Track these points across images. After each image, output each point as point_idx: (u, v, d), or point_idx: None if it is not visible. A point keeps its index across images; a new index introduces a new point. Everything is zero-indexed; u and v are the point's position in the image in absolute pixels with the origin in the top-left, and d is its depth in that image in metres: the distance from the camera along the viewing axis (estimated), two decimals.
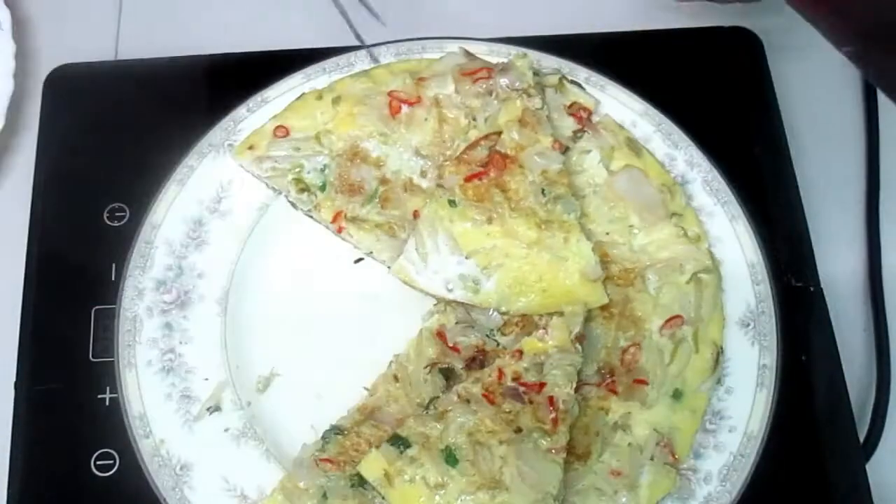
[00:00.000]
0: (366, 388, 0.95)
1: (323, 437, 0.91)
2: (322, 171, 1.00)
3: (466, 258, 0.95)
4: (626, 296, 0.97)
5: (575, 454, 0.90)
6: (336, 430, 0.92)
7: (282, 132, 1.01)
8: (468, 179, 0.97)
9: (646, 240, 0.99)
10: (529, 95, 1.01)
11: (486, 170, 0.97)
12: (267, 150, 1.01)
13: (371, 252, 0.99)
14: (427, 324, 0.97)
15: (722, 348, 0.95)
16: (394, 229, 0.99)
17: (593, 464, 0.90)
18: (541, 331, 0.93)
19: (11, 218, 1.04)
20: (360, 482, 0.87)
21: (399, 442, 0.87)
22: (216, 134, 1.04)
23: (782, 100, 1.09)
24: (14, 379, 0.96)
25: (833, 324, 1.00)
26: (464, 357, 0.95)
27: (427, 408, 0.90)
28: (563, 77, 1.05)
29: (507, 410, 0.89)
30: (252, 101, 1.05)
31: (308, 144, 1.01)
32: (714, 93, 1.09)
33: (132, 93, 1.08)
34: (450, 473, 0.85)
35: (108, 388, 0.95)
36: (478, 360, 0.95)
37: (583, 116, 1.04)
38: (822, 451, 0.95)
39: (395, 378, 0.95)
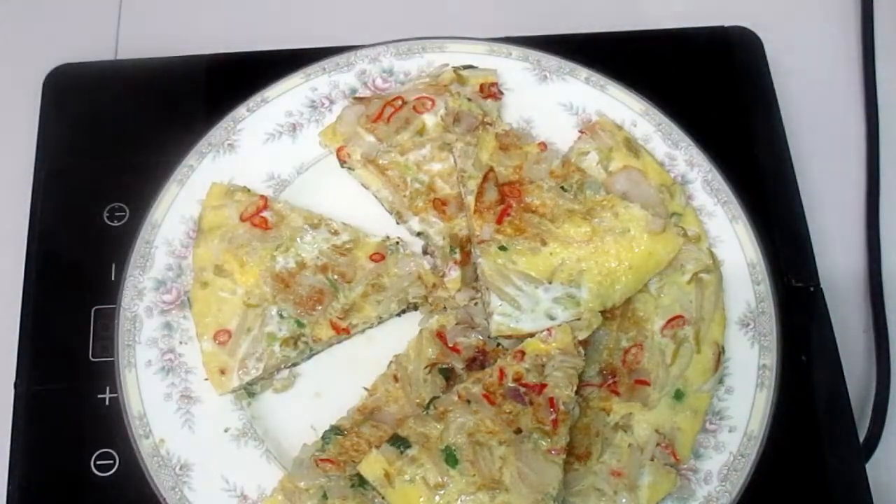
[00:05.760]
0: (365, 389, 0.95)
1: (323, 438, 0.91)
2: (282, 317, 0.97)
3: (550, 283, 0.95)
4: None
5: (575, 455, 0.90)
6: (336, 431, 0.92)
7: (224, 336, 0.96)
8: (500, 221, 0.97)
9: None
10: (490, 124, 1.02)
11: (507, 204, 0.97)
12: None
13: None
14: (427, 324, 0.97)
15: (723, 348, 0.95)
16: None
17: (593, 464, 0.90)
18: (544, 332, 0.93)
19: (11, 218, 1.04)
20: (360, 482, 0.87)
21: (399, 442, 0.87)
22: (216, 134, 1.03)
23: (782, 100, 1.09)
24: (14, 379, 0.96)
25: (833, 324, 1.00)
26: (464, 357, 0.95)
27: (427, 408, 0.90)
28: (455, 69, 1.05)
29: (508, 411, 0.89)
30: (252, 101, 1.05)
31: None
32: (714, 92, 1.09)
33: (132, 93, 1.08)
34: (450, 473, 0.85)
35: (108, 388, 0.95)
36: (478, 361, 0.95)
37: (494, 92, 1.04)
38: (822, 451, 0.95)
39: (395, 378, 0.95)
